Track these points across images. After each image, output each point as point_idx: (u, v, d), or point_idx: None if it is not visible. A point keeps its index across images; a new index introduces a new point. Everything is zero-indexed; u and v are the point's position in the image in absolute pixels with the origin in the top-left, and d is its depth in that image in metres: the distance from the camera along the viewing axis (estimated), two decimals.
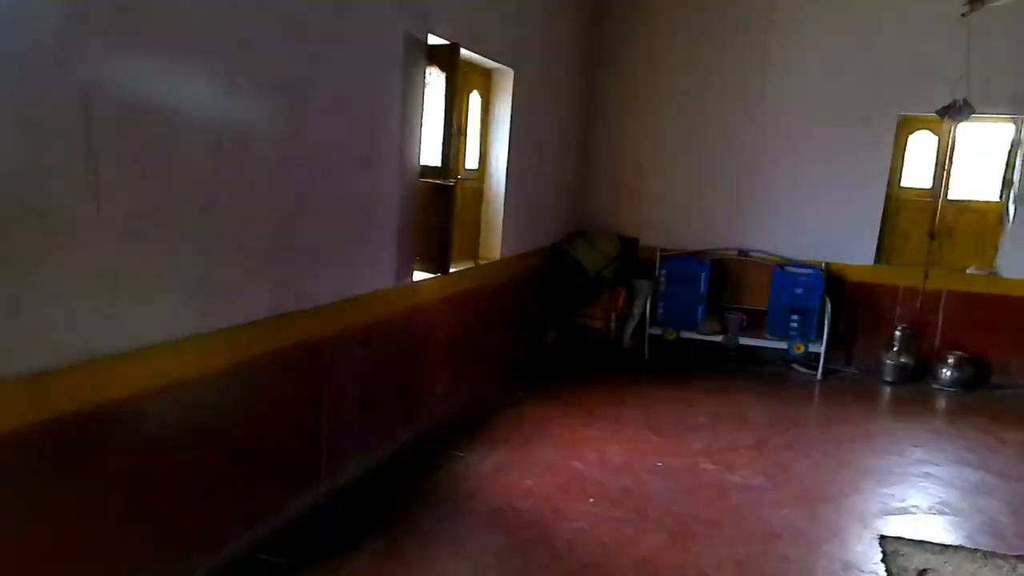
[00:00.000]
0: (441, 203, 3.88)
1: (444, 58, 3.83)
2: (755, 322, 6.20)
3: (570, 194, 6.66)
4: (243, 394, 2.78)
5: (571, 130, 6.42)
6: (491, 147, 5.03)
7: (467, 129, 4.72)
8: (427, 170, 3.90)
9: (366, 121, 3.36)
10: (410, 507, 3.39)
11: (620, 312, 6.29)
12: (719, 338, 6.08)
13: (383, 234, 3.61)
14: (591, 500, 3.54)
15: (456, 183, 3.87)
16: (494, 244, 5.12)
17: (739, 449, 4.33)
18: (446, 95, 3.86)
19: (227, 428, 2.73)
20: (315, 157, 3.04)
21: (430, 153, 3.95)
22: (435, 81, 3.89)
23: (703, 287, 6.14)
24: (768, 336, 6.07)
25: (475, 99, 4.86)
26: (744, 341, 6.04)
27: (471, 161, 4.91)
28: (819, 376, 5.94)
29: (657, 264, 6.28)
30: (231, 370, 2.67)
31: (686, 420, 4.77)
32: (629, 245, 6.64)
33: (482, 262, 4.97)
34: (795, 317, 5.93)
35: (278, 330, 2.90)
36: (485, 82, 4.93)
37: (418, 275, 3.98)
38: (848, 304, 6.25)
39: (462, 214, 4.83)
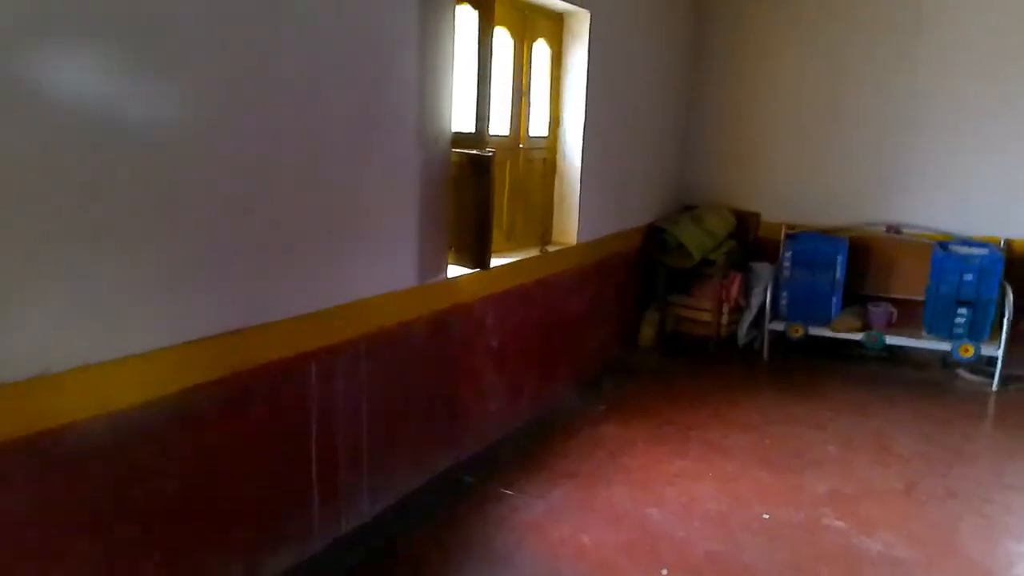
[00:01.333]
0: (476, 179, 3.07)
1: None
2: (907, 316, 4.96)
3: (673, 163, 5.65)
4: (169, 437, 2.12)
5: (671, 87, 5.39)
6: (564, 109, 4.15)
7: (530, 87, 3.87)
8: (463, 138, 3.10)
9: (363, 69, 2.59)
10: (424, 564, 2.67)
11: (733, 303, 5.24)
12: (859, 336, 4.90)
13: (399, 222, 2.86)
14: (664, 573, 2.66)
15: (492, 154, 3.04)
16: (569, 227, 4.26)
17: (879, 496, 3.27)
18: (479, 39, 3.04)
19: (148, 486, 2.08)
20: (284, 117, 2.32)
21: (470, 117, 3.15)
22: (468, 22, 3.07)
23: (839, 272, 4.96)
24: (925, 335, 4.82)
25: (542, 50, 4.00)
26: (891, 340, 4.83)
27: (537, 127, 4.07)
28: (995, 387, 4.64)
29: (781, 245, 5.16)
30: (142, 409, 2.02)
31: (809, 449, 3.73)
32: (746, 222, 5.55)
33: (553, 248, 4.12)
34: (962, 310, 4.65)
35: (225, 351, 2.22)
36: (555, 29, 4.05)
37: (455, 270, 3.21)
38: None
39: (527, 191, 4.01)
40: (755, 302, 5.29)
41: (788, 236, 5.27)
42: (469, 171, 3.08)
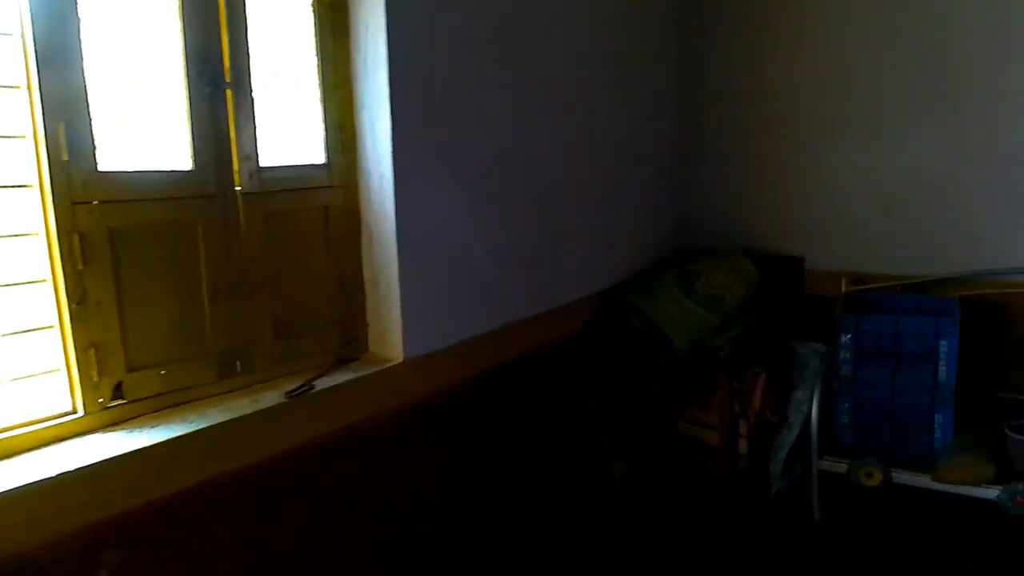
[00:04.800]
0: None
1: None
2: None
3: (664, 185, 3.55)
4: None
5: (652, 59, 3.31)
6: (363, 114, 2.21)
7: (246, 68, 1.95)
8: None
9: None
10: None
11: (757, 416, 3.07)
12: (992, 492, 2.60)
13: None
14: None
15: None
16: (389, 329, 2.28)
17: None
18: None
19: None
20: None
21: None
22: None
23: (944, 367, 2.70)
24: None
25: (292, 5, 2.08)
26: None
27: (298, 147, 2.14)
28: None
29: (837, 315, 2.93)
30: None
31: None
32: (782, 274, 3.37)
33: (352, 374, 2.16)
34: None
35: None
36: None
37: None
38: None
39: (281, 271, 2.10)
40: (797, 417, 3.08)
41: (850, 299, 3.05)
42: None
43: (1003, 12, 2.84)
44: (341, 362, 2.23)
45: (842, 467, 2.85)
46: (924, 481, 2.69)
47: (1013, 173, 2.90)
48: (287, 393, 1.99)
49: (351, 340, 2.29)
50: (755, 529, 2.90)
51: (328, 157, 2.19)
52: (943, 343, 2.65)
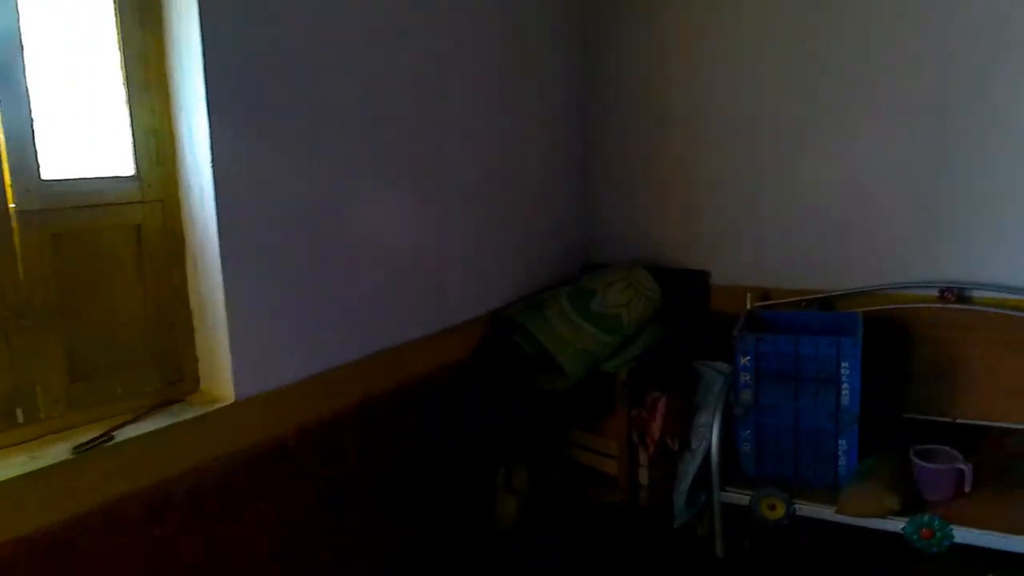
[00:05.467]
0: None
1: None
2: (994, 470, 2.48)
3: (564, 193, 3.33)
4: None
5: (549, 62, 3.08)
6: (180, 117, 1.91)
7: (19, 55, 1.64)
8: None
9: None
10: None
11: (656, 444, 2.85)
12: (898, 524, 2.42)
13: None
14: None
15: None
16: (220, 363, 1.98)
17: None
18: None
19: None
20: None
21: None
22: None
23: (847, 387, 2.51)
24: None
25: None
26: (964, 534, 2.33)
27: (103, 159, 1.84)
28: None
29: (736, 332, 2.72)
30: None
31: None
32: (687, 290, 3.17)
33: (183, 413, 1.86)
34: None
35: None
36: None
37: None
38: None
39: (78, 300, 1.78)
40: (700, 443, 2.86)
41: (752, 317, 2.86)
42: None
43: (912, 23, 2.68)
44: (161, 405, 1.93)
45: (743, 499, 2.65)
46: (828, 513, 2.49)
47: (919, 186, 2.74)
48: (75, 447, 1.68)
49: (175, 380, 1.99)
50: (655, 567, 2.68)
51: (138, 168, 1.88)
52: (845, 365, 2.47)
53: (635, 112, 3.26)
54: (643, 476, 2.89)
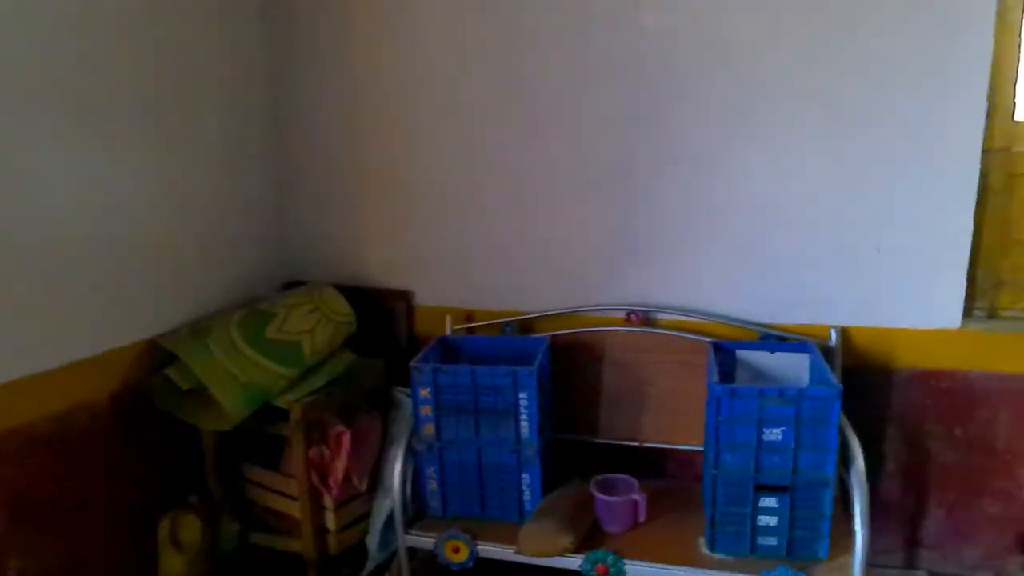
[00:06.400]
0: None
1: None
2: (678, 496, 2.47)
3: (258, 203, 2.94)
4: None
5: (200, 69, 2.66)
6: None
7: None
8: None
9: None
10: None
11: (339, 486, 2.56)
12: (574, 560, 2.30)
13: None
14: None
15: None
16: None
17: None
18: None
19: None
20: None
21: None
22: None
23: (526, 418, 2.36)
24: (705, 550, 2.29)
25: None
26: (633, 568, 2.24)
27: None
28: None
29: (417, 360, 2.47)
30: None
31: None
32: (387, 311, 2.92)
33: None
34: (768, 501, 2.18)
35: None
36: None
37: None
38: (904, 431, 2.54)
39: None
40: (393, 480, 2.61)
41: (444, 343, 2.67)
42: None
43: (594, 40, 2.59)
44: None
45: (430, 542, 2.43)
46: (510, 553, 2.34)
47: (609, 205, 2.67)
48: None
49: None
50: None
51: None
52: (523, 395, 2.32)
53: (327, 117, 2.95)
54: (330, 520, 2.59)
